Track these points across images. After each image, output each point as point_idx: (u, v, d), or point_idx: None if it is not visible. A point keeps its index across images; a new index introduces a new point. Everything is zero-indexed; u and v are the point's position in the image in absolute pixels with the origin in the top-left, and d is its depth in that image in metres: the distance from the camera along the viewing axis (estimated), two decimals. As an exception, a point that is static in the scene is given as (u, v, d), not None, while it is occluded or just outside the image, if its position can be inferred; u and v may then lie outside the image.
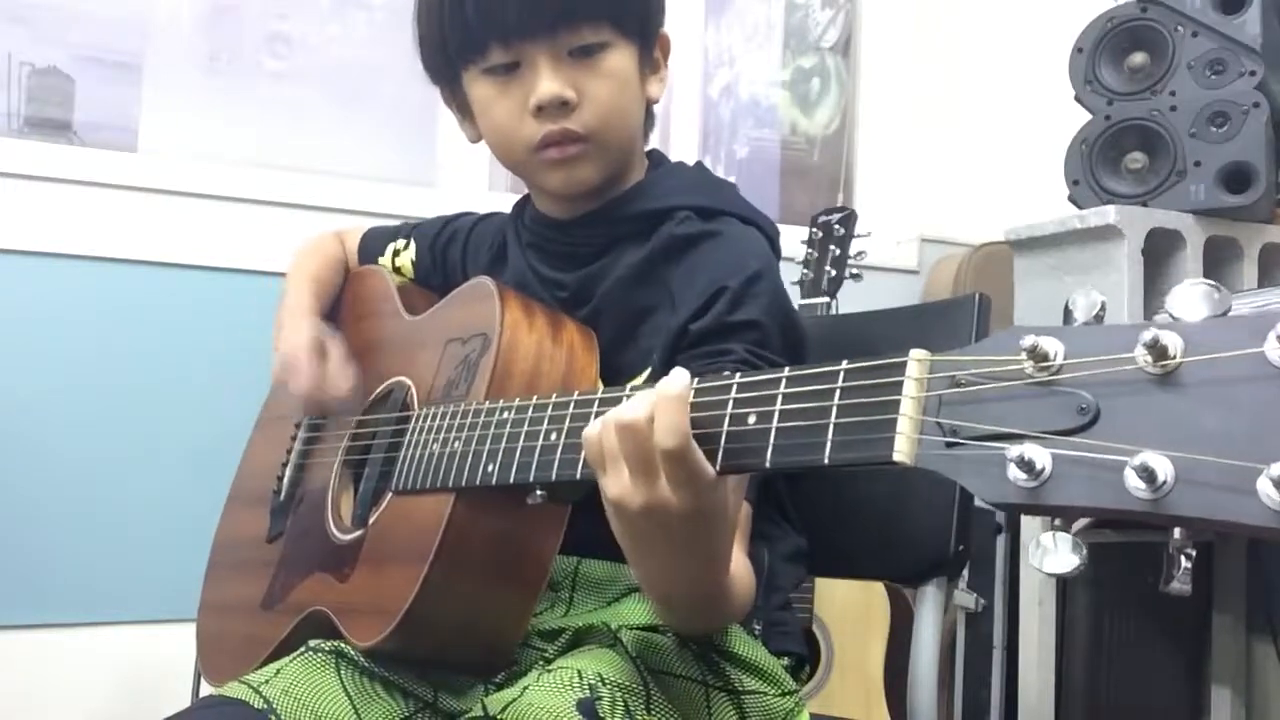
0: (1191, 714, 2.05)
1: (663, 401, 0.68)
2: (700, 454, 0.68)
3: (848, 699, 1.91)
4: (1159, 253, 1.80)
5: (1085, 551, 0.53)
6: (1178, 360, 0.49)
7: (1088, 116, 1.91)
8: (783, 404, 0.65)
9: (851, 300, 1.97)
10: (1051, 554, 0.53)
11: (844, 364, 0.62)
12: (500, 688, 0.90)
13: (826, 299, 1.99)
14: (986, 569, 1.97)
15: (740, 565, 0.86)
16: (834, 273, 2.01)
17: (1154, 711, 2.00)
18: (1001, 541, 1.96)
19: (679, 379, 0.69)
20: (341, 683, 0.89)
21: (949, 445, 0.55)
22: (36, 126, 2.22)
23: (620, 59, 1.00)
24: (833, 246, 2.02)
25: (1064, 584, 1.91)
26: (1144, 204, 1.82)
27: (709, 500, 0.70)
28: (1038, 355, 0.53)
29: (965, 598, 2.00)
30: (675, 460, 0.68)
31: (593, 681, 0.81)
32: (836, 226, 2.04)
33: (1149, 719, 1.99)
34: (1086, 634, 1.93)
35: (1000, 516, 1.95)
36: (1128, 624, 1.97)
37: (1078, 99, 1.93)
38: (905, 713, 1.14)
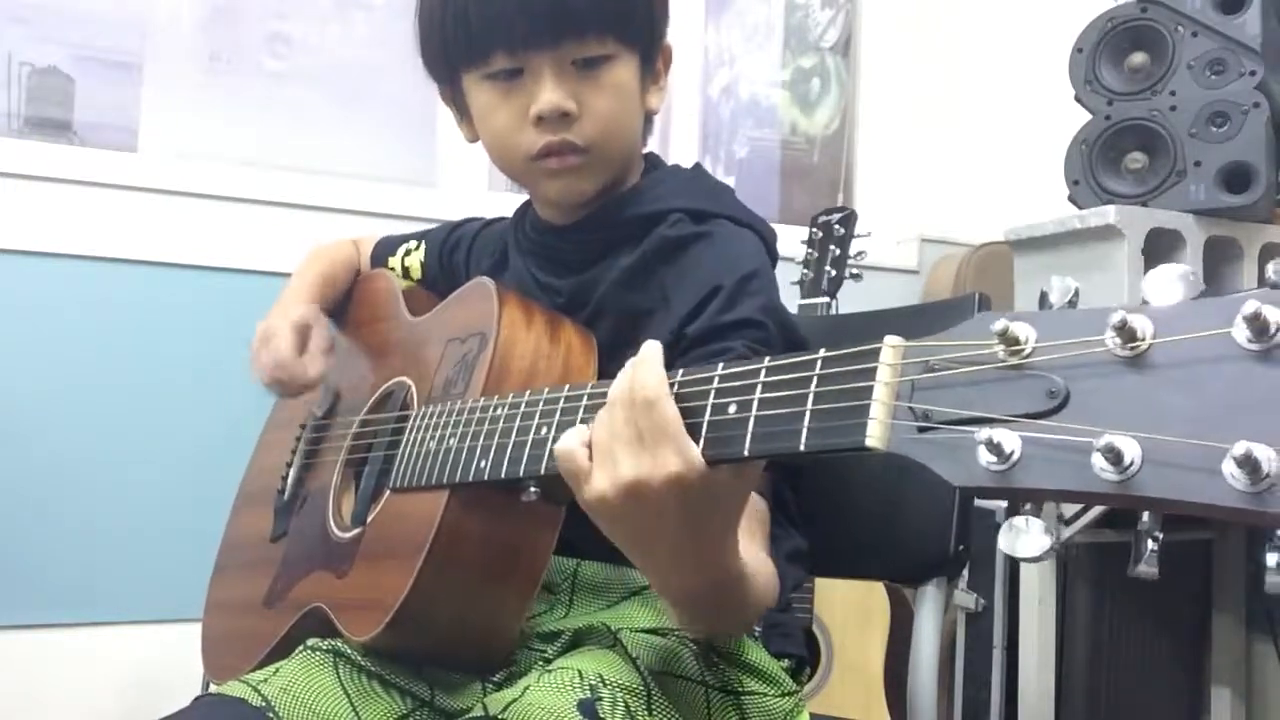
0: (1191, 714, 2.05)
1: (636, 366, 0.70)
2: (674, 405, 0.68)
3: (848, 699, 1.91)
4: (1159, 253, 1.80)
5: (1056, 535, 0.53)
6: (1147, 343, 0.49)
7: (1088, 116, 1.91)
8: (762, 393, 0.65)
9: (851, 300, 1.97)
10: (1023, 536, 0.53)
11: (821, 352, 0.62)
12: (500, 688, 0.90)
13: (826, 299, 2.00)
14: (986, 569, 1.97)
15: (758, 561, 0.85)
16: (834, 273, 2.01)
17: (1154, 711, 2.00)
18: (1001, 541, 1.96)
19: (648, 346, 0.71)
20: (340, 681, 0.89)
21: (921, 430, 0.55)
22: (36, 126, 2.22)
23: (623, 71, 0.99)
24: (833, 246, 2.02)
25: (1065, 584, 1.91)
26: (1144, 204, 1.83)
27: (686, 464, 0.67)
28: (1009, 339, 0.53)
29: (965, 598, 2.00)
30: (649, 408, 0.67)
31: (593, 682, 0.81)
32: (836, 226, 2.04)
33: (1149, 719, 1.99)
34: (1086, 634, 1.93)
35: (1000, 516, 1.95)
36: (1128, 624, 1.97)
37: (1078, 99, 1.93)
38: (905, 713, 1.14)
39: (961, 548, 1.11)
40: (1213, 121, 1.78)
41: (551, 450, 0.77)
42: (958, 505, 1.11)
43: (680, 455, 0.67)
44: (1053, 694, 1.87)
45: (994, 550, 1.96)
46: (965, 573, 1.95)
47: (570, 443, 0.72)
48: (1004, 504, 1.91)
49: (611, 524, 0.73)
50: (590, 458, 0.71)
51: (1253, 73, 1.76)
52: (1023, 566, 1.89)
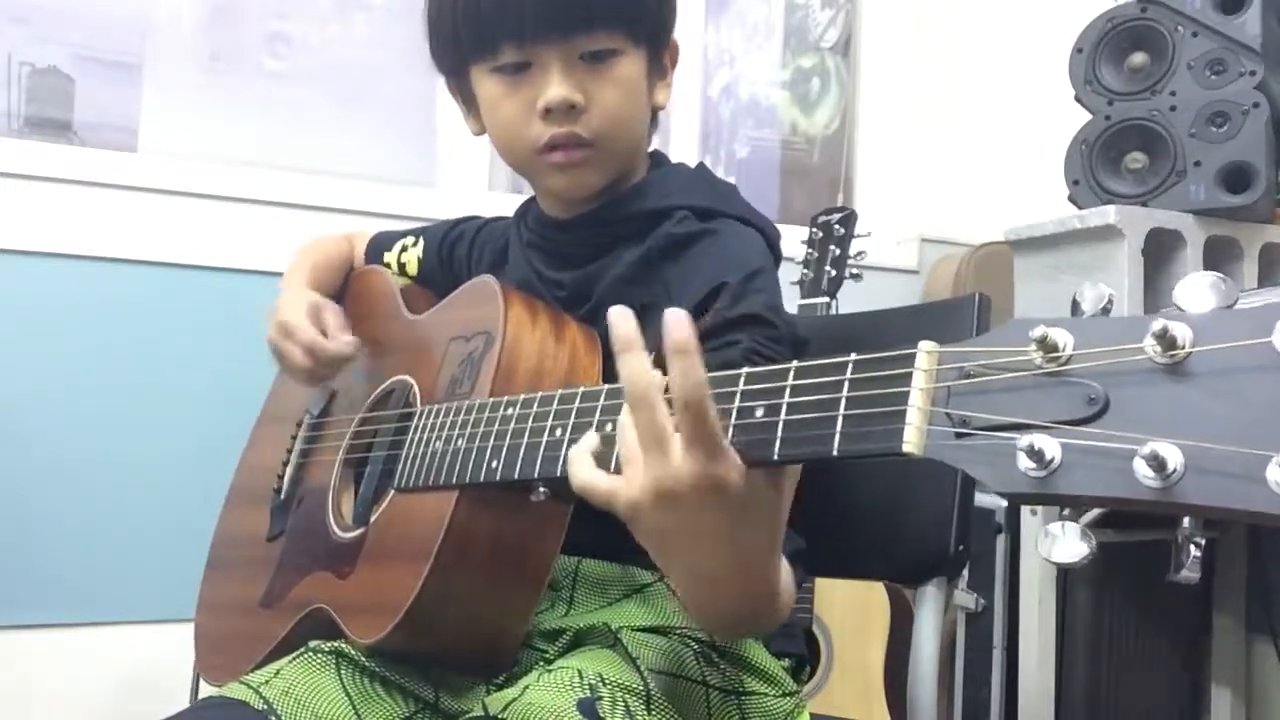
0: (1191, 714, 2.05)
1: (673, 357, 0.62)
2: (714, 408, 0.63)
3: (848, 699, 1.91)
4: (1159, 253, 1.80)
5: (1094, 541, 0.53)
6: (1186, 350, 0.49)
7: (1088, 116, 1.91)
8: (791, 396, 0.64)
9: (851, 300, 1.97)
10: (1060, 542, 0.54)
11: (852, 356, 0.62)
12: (501, 688, 0.90)
13: (826, 299, 2.00)
14: (986, 569, 1.97)
15: (784, 570, 0.85)
16: (834, 273, 2.01)
17: (1154, 711, 2.00)
18: (1001, 541, 1.96)
19: (678, 325, 0.62)
20: (341, 683, 0.89)
21: (958, 436, 0.55)
22: (36, 126, 2.22)
23: (630, 66, 1.00)
24: (833, 246, 2.03)
25: (1065, 584, 1.91)
26: (1144, 204, 1.82)
27: (727, 468, 0.64)
28: (1047, 346, 0.53)
29: (965, 598, 2.00)
30: (694, 413, 0.62)
31: (593, 681, 0.81)
32: (836, 226, 2.04)
33: (1149, 719, 1.99)
34: (1086, 634, 1.93)
35: (1000, 516, 1.95)
36: (1128, 624, 1.97)
37: (1078, 99, 1.93)
38: (905, 713, 1.14)
39: (961, 548, 1.11)
40: (1213, 121, 1.78)
41: (566, 452, 0.76)
42: (958, 505, 1.11)
43: (720, 460, 0.64)
44: (1053, 694, 1.87)
45: (994, 550, 1.97)
46: (965, 573, 1.95)
47: (584, 473, 0.68)
48: (1004, 504, 1.92)
49: (643, 531, 0.69)
50: (611, 471, 0.68)
51: (1253, 73, 1.76)
52: (1023, 566, 1.89)
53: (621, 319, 0.65)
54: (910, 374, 0.58)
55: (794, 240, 2.02)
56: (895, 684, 1.91)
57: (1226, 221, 1.83)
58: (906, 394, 0.57)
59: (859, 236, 2.04)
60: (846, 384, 0.61)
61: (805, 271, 2.04)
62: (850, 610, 1.96)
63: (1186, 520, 0.52)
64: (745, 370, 0.67)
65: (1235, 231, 1.84)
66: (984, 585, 1.98)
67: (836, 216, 2.06)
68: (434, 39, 1.05)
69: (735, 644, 0.93)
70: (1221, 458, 0.46)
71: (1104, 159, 1.88)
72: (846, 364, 0.62)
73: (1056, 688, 1.88)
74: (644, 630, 0.91)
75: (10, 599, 1.86)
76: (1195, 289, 0.50)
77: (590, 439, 0.71)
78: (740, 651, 0.93)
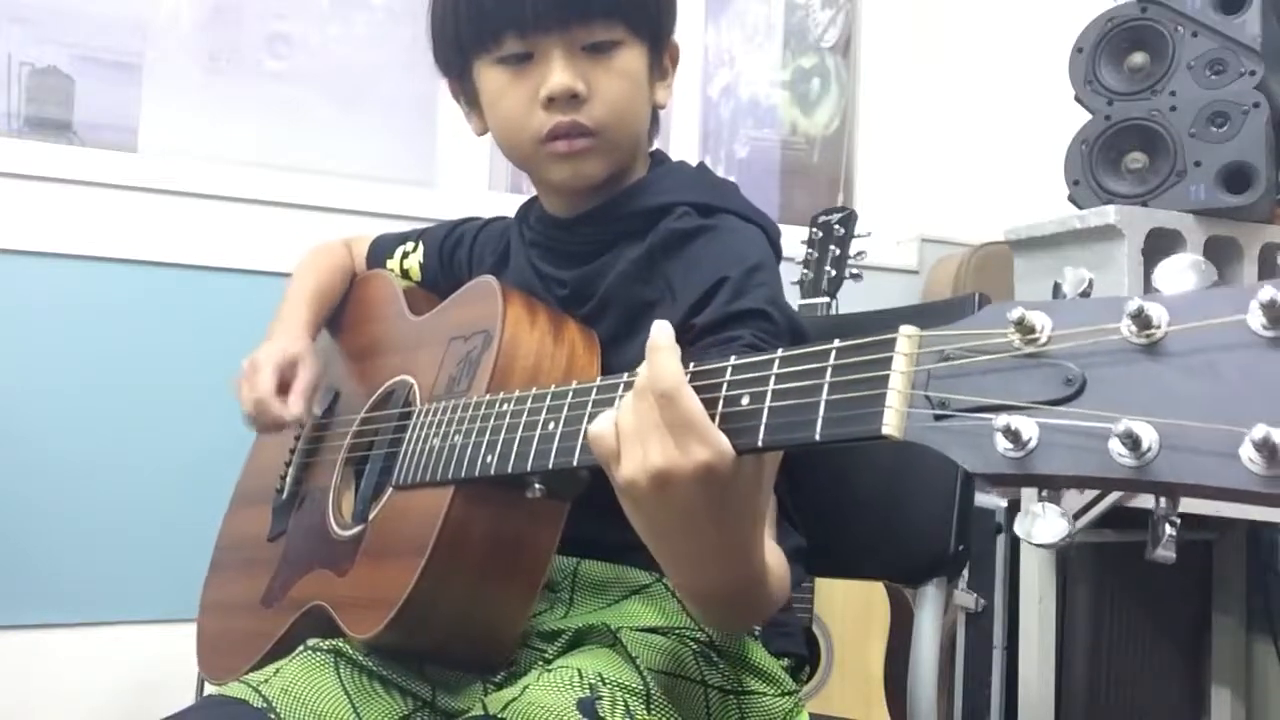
0: (1191, 714, 2.05)
1: (649, 354, 0.69)
2: (694, 396, 0.67)
3: (848, 699, 1.91)
4: (1159, 253, 1.79)
5: (1073, 522, 0.53)
6: (1162, 330, 0.49)
7: (1088, 116, 1.91)
8: (775, 384, 0.65)
9: (851, 300, 1.97)
10: (1040, 522, 0.54)
11: (835, 343, 0.63)
12: (500, 688, 0.90)
13: (826, 299, 2.00)
14: (986, 569, 1.97)
15: (773, 554, 0.85)
16: (834, 273, 2.01)
17: (1154, 711, 2.00)
18: (1001, 541, 1.96)
19: (659, 330, 0.70)
20: (340, 681, 0.89)
21: (937, 418, 0.55)
22: (36, 126, 2.22)
23: (631, 58, 1.01)
24: (833, 246, 2.02)
25: (1065, 584, 1.91)
26: (1144, 204, 1.82)
27: (716, 453, 0.67)
28: (1025, 328, 0.53)
29: (965, 598, 2.00)
30: (669, 401, 0.67)
31: (593, 681, 0.81)
32: (836, 226, 2.04)
33: (1149, 719, 1.99)
34: (1086, 634, 1.93)
35: (1000, 516, 1.95)
36: (1128, 624, 1.97)
37: (1078, 99, 1.93)
38: (905, 713, 1.14)
39: (961, 548, 1.11)
40: (1213, 121, 1.78)
41: (559, 445, 0.77)
42: (958, 505, 1.11)
43: (707, 445, 0.67)
44: (1053, 694, 1.87)
45: (994, 550, 1.97)
46: (965, 573, 1.95)
47: (602, 425, 0.71)
48: (1004, 504, 1.91)
49: (638, 511, 0.72)
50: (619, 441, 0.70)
51: (1253, 73, 1.76)
52: (1023, 566, 1.89)
53: (663, 330, 0.70)
54: (891, 358, 0.59)
55: (794, 240, 2.02)
56: (895, 684, 1.90)
57: (1226, 221, 1.82)
58: (887, 377, 0.58)
59: (859, 236, 2.04)
60: (829, 370, 0.62)
61: (805, 271, 2.04)
62: (850, 610, 1.96)
63: (1161, 500, 0.52)
64: (732, 361, 0.69)
65: (1235, 231, 1.84)
66: (984, 585, 1.98)
67: (836, 216, 2.06)
68: (437, 38, 1.06)
69: (734, 643, 0.93)
70: (1195, 435, 0.47)
71: (1104, 159, 1.88)
72: (830, 350, 0.63)
73: (1056, 688, 1.88)
74: (643, 630, 0.91)
75: (10, 599, 1.86)
76: (1174, 271, 0.50)
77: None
78: (739, 651, 0.93)
